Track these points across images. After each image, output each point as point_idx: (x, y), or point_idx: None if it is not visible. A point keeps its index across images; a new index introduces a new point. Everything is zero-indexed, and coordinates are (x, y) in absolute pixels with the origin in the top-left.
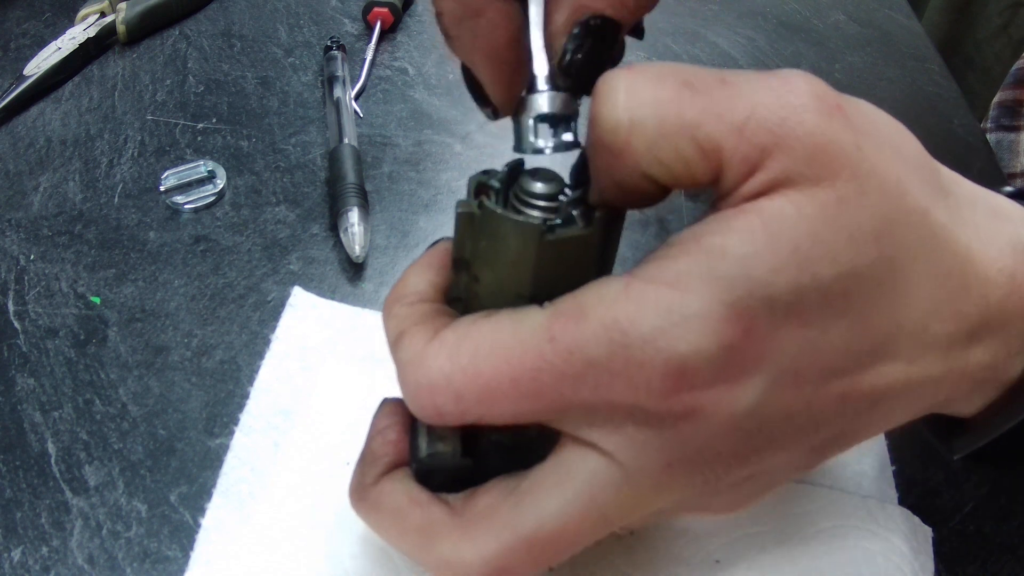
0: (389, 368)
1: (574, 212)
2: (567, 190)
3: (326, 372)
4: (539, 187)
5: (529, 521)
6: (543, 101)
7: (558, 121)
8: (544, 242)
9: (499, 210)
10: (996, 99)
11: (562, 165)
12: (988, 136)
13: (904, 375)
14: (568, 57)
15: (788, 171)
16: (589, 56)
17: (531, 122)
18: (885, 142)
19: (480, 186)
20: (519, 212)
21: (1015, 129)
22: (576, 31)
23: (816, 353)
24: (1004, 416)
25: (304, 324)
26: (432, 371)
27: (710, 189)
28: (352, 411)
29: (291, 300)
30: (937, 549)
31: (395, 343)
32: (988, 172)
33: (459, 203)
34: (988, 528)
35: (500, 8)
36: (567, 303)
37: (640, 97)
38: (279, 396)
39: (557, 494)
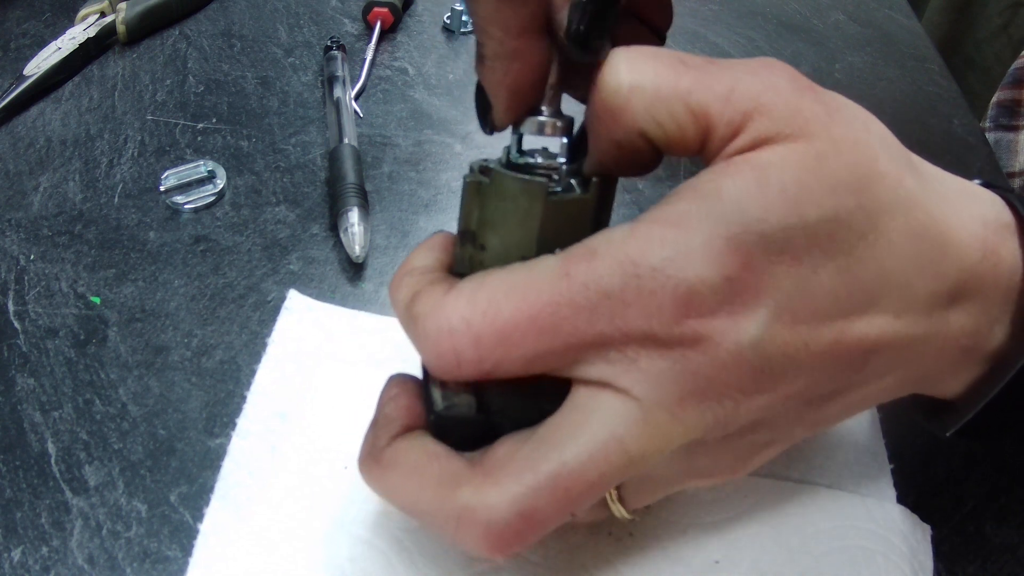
0: (386, 370)
1: (572, 181)
2: (563, 163)
3: (323, 375)
4: (538, 152)
5: (552, 462)
6: (540, 122)
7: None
8: (549, 202)
9: (508, 172)
10: (995, 99)
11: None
12: (987, 135)
13: (891, 329)
14: (574, 26)
15: (768, 130)
16: (593, 22)
17: (526, 134)
18: (855, 118)
19: (482, 167)
20: (510, 172)
21: (1014, 129)
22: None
23: (809, 293)
24: (988, 386)
25: (300, 327)
26: (452, 317)
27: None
28: (349, 414)
29: (287, 303)
30: (937, 549)
31: (410, 302)
32: (987, 171)
33: (467, 175)
34: (988, 528)
35: (536, 54)
36: (577, 248)
37: (640, 67)
38: (276, 399)
39: (577, 433)
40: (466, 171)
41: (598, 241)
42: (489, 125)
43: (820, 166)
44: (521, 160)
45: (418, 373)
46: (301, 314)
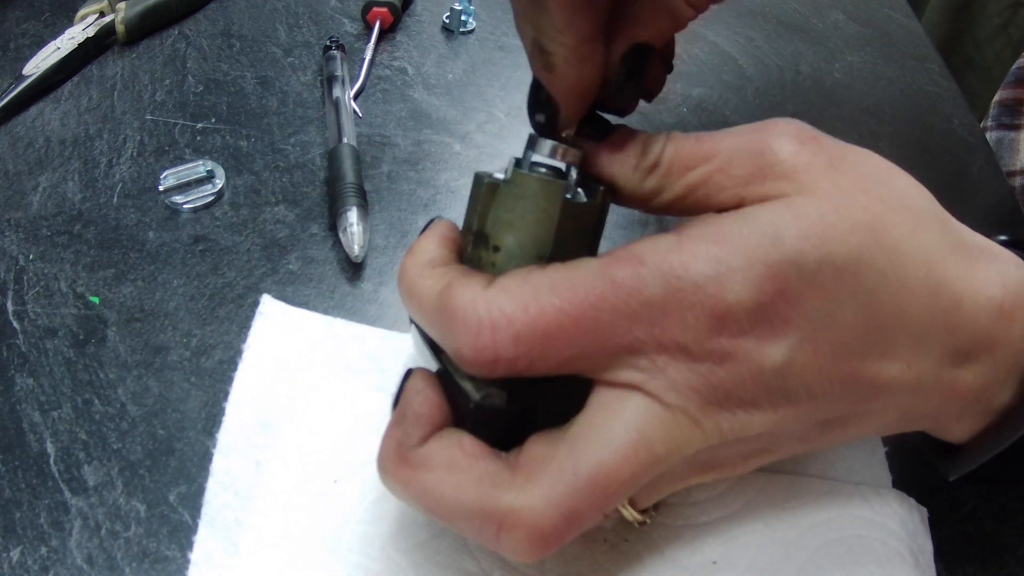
0: (367, 379)
1: (579, 190)
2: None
3: (304, 383)
4: (546, 168)
5: (590, 461)
6: (553, 146)
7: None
8: (567, 203)
9: (529, 172)
10: (996, 98)
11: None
12: (988, 135)
13: (902, 375)
14: (621, 79)
15: (785, 188)
16: (634, 77)
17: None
18: (863, 165)
19: (490, 178)
20: (530, 171)
21: (1015, 128)
22: (627, 57)
23: (832, 327)
24: (993, 441)
25: (276, 333)
26: (493, 311)
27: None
28: (335, 424)
29: (261, 308)
30: (937, 549)
31: (444, 293)
32: (988, 171)
33: (482, 177)
34: (988, 528)
35: (602, 54)
36: (621, 251)
37: None
38: (256, 410)
39: (611, 434)
40: (468, 175)
41: (643, 248)
42: (554, 128)
43: (839, 209)
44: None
45: (394, 381)
46: (276, 319)
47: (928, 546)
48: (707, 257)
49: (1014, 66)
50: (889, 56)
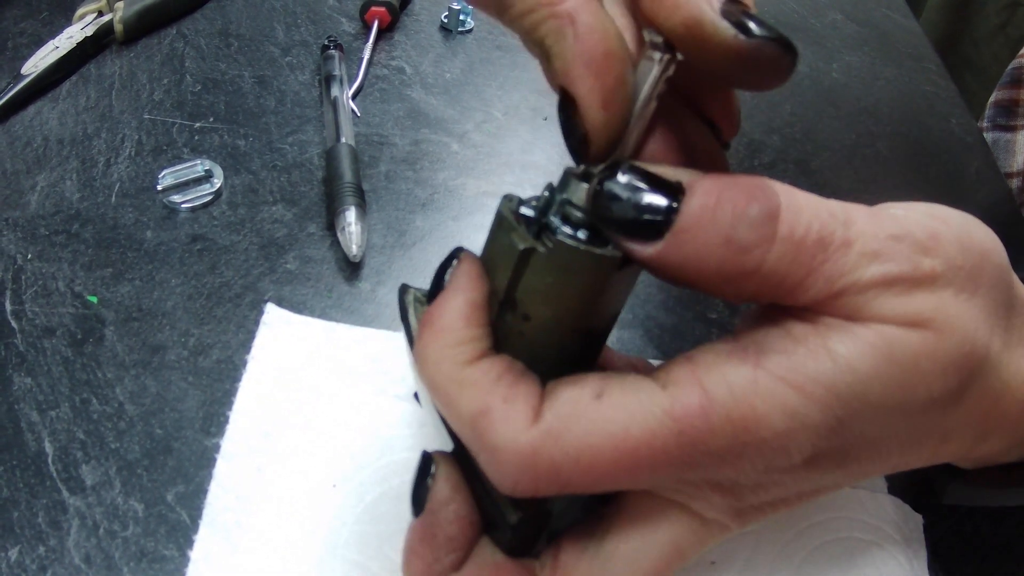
0: (369, 382)
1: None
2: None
3: (305, 390)
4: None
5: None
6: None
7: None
8: (615, 274)
9: (579, 244)
10: (993, 98)
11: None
12: (985, 135)
13: (920, 460)
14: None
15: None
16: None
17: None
18: (971, 278)
19: (520, 216)
20: (577, 241)
21: (1012, 128)
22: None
23: (875, 460)
24: (997, 491)
25: (279, 342)
26: (541, 463)
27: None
28: (335, 430)
29: (264, 317)
30: (934, 549)
31: (480, 421)
32: (985, 171)
33: (514, 237)
34: (984, 528)
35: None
36: (689, 387)
37: None
38: (259, 419)
39: (647, 548)
40: (466, 175)
41: (715, 383)
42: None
43: (936, 350)
44: (568, 229)
45: (395, 382)
46: (279, 328)
47: (922, 552)
48: (784, 409)
49: (1009, 67)
50: (887, 56)
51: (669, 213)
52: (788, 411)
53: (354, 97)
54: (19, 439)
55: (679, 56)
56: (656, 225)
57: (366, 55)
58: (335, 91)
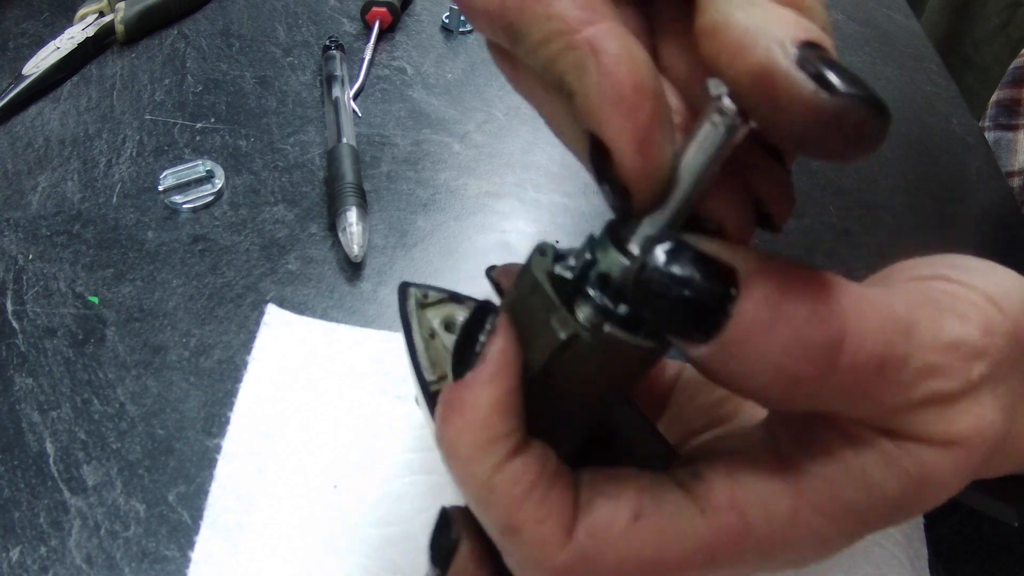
0: (370, 383)
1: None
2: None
3: (306, 391)
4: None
5: None
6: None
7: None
8: (651, 360)
9: (627, 338)
10: (994, 98)
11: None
12: (987, 134)
13: None
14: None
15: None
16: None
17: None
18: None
19: (554, 277)
20: (624, 333)
21: (1013, 128)
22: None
23: None
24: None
25: (280, 343)
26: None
27: None
28: (336, 431)
29: (265, 318)
30: (935, 549)
31: (508, 535)
32: (986, 171)
33: (554, 322)
34: (985, 529)
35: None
36: (728, 513)
37: None
38: (260, 420)
39: None
40: (467, 175)
41: (756, 513)
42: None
43: (967, 467)
44: (608, 303)
45: (395, 383)
46: (280, 329)
47: (924, 552)
48: (815, 539)
49: (1011, 67)
50: (888, 56)
51: (720, 313)
52: (819, 539)
53: (355, 97)
54: (20, 439)
55: (752, 124)
56: (704, 325)
57: (367, 55)
58: (336, 91)
